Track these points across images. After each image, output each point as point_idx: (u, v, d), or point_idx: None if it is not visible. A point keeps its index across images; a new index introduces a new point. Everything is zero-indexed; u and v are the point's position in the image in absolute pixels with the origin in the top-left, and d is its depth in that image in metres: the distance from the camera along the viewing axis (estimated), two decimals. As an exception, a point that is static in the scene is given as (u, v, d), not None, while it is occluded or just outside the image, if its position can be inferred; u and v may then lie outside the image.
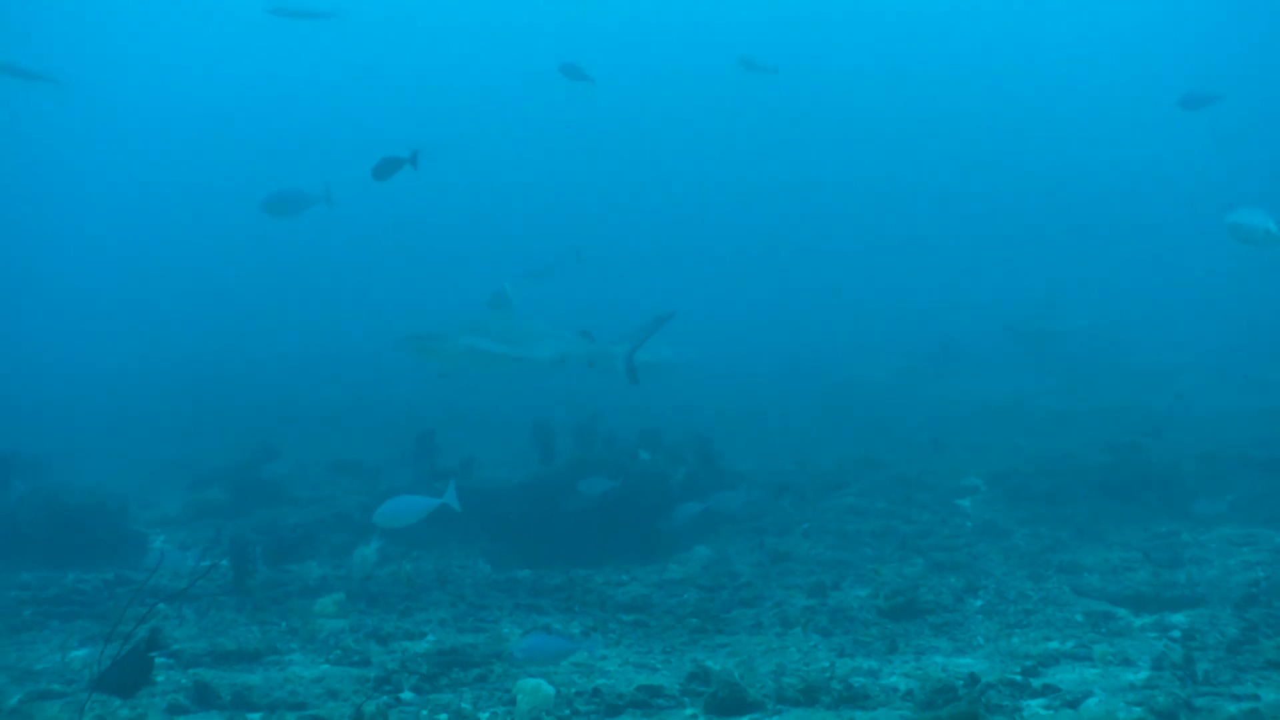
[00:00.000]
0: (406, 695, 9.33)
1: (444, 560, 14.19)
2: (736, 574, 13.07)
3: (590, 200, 53.44)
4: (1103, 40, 55.10)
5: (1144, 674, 9.09)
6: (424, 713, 8.78)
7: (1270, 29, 48.60)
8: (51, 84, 23.38)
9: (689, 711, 8.69)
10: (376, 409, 24.45)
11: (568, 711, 8.68)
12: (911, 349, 27.58)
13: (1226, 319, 31.88)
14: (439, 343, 14.06)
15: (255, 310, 40.20)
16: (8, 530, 15.04)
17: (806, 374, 28.04)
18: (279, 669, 10.24)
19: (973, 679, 8.76)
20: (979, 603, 11.76)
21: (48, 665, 10.60)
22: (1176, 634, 10.24)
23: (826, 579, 12.72)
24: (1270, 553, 13.15)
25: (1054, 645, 10.06)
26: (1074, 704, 8.37)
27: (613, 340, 14.90)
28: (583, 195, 53.42)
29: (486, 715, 8.72)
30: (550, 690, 8.98)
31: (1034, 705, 8.37)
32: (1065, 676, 9.11)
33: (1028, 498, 16.28)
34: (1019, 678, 9.00)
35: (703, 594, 12.43)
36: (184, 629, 11.58)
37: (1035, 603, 11.60)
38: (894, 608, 11.40)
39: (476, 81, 57.30)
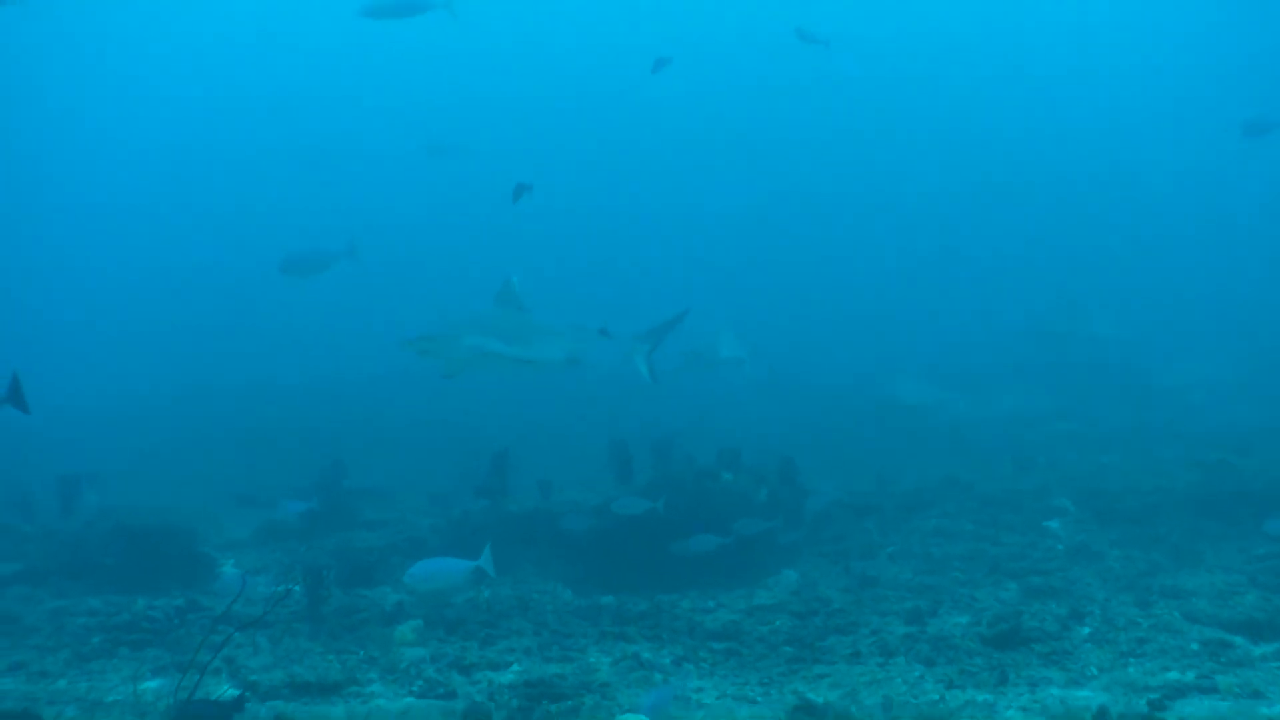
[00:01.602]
0: (498, 730, 8.95)
1: (521, 585, 13.75)
2: (828, 600, 12.58)
3: (609, 206, 53.43)
4: (1130, 49, 54.37)
5: (1279, 707, 8.61)
6: (519, 749, 8.38)
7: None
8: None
9: (798, 748, 8.26)
10: (441, 428, 24.05)
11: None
12: (940, 365, 27.15)
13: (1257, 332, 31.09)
14: (442, 344, 13.20)
15: (301, 328, 39.86)
16: (77, 554, 14.76)
17: (843, 390, 27.29)
18: (361, 701, 9.89)
19: (1103, 712, 8.28)
20: (1086, 630, 11.26)
21: (119, 697, 10.24)
22: (1301, 664, 9.76)
23: (923, 605, 12.24)
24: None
25: (1174, 676, 9.61)
26: (1212, 740, 7.91)
27: (631, 339, 14.53)
28: (604, 202, 53.25)
29: (585, 752, 8.31)
30: (650, 726, 8.56)
31: (1169, 741, 7.92)
32: (1195, 710, 8.68)
33: (1118, 518, 15.74)
34: (1146, 710, 8.53)
35: (795, 621, 11.95)
36: (258, 658, 11.22)
37: (1146, 630, 11.10)
38: (998, 635, 10.91)
39: (494, 83, 57.16)
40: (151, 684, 10.56)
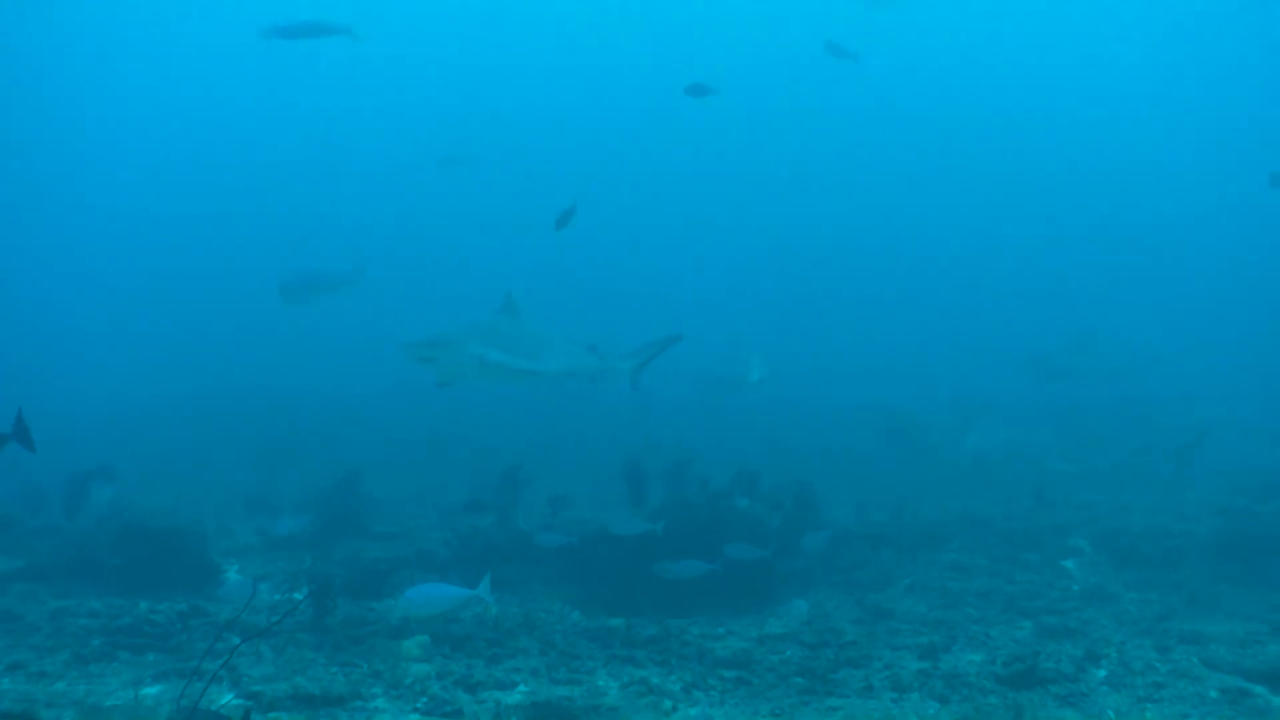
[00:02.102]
0: (504, 752, 8.76)
1: (529, 604, 13.57)
2: (840, 631, 12.37)
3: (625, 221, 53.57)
4: (1155, 82, 54.36)
5: (1300, 760, 8.42)
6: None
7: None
8: None
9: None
10: (454, 441, 23.85)
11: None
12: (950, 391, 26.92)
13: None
14: (444, 351, 12.90)
15: (315, 336, 39.76)
16: (81, 553, 14.61)
17: (857, 413, 26.94)
18: (365, 716, 9.74)
19: (1121, 760, 8.09)
20: (1102, 673, 11.07)
21: (118, 701, 10.10)
22: (1322, 715, 9.56)
23: (937, 640, 12.05)
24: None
25: (1194, 724, 9.40)
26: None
27: (620, 356, 14.41)
28: (619, 217, 53.39)
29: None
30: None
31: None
32: (1215, 759, 8.45)
33: (1136, 561, 15.56)
34: (1165, 758, 8.35)
35: (806, 651, 11.74)
36: (261, 667, 11.03)
37: (1165, 675, 10.92)
38: (1013, 675, 10.72)
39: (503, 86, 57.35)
40: (152, 690, 10.43)
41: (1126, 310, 38.79)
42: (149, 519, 14.68)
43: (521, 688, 10.56)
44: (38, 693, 10.32)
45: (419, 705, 10.02)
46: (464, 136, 48.63)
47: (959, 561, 15.49)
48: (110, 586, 13.86)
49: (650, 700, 10.20)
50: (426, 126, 53.84)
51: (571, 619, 12.89)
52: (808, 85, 51.38)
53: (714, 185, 55.06)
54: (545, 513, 15.89)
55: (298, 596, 12.56)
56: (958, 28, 55.19)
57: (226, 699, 9.79)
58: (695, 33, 55.12)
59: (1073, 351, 25.66)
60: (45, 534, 15.89)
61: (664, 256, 51.71)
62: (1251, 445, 23.68)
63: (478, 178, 46.20)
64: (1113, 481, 20.35)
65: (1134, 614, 13.38)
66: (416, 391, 26.55)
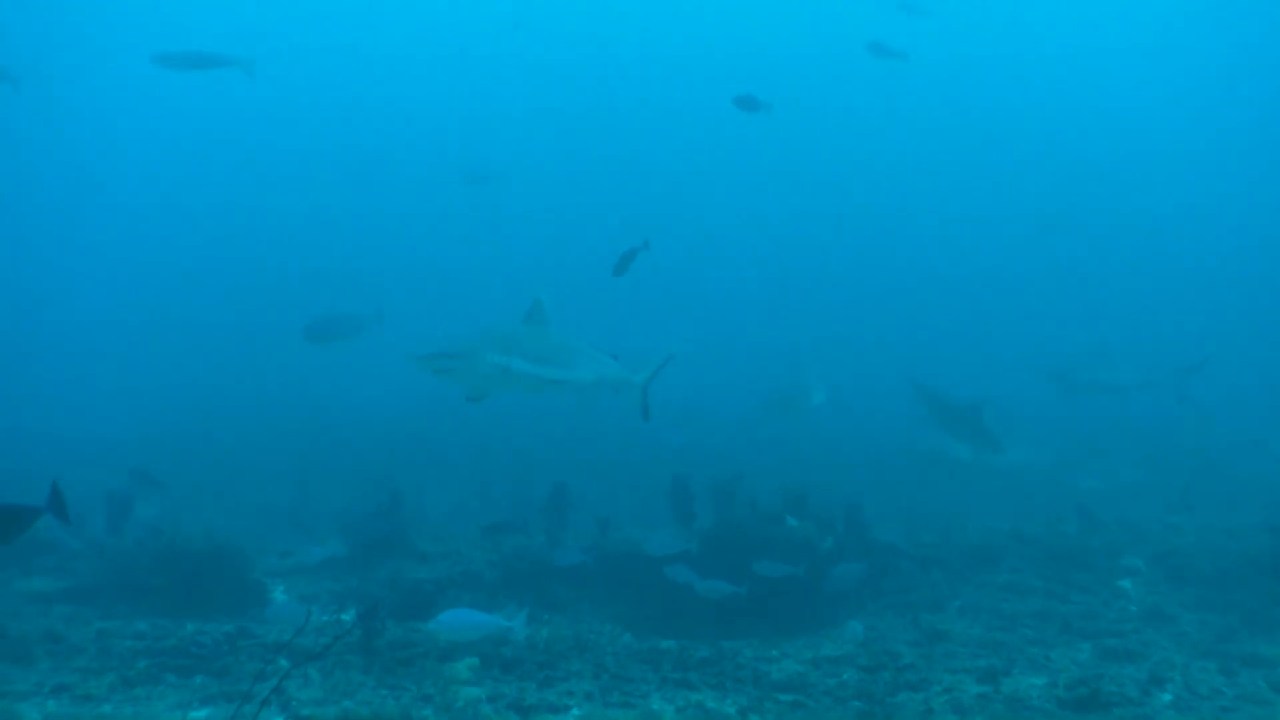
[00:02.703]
0: (560, 779, 8.58)
1: (578, 625, 13.38)
2: (897, 654, 12.13)
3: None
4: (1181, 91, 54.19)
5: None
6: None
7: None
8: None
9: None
10: (497, 458, 23.65)
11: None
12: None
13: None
14: (462, 362, 12.22)
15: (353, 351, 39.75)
16: (126, 574, 14.49)
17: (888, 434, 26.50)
18: (418, 741, 9.52)
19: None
20: (1168, 697, 10.85)
21: (167, 727, 9.93)
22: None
23: (996, 663, 11.81)
24: None
25: (1266, 750, 9.16)
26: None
27: (633, 368, 14.15)
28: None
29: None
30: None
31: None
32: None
33: (1192, 580, 15.26)
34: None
35: (863, 675, 11.51)
36: (309, 690, 10.85)
37: (1231, 699, 10.73)
38: (1076, 699, 10.48)
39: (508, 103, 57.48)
40: (200, 713, 10.27)
41: (1151, 318, 38.68)
42: (189, 540, 14.58)
43: (575, 711, 10.38)
44: (84, 715, 10.20)
45: (472, 730, 9.85)
46: (481, 147, 48.97)
47: (1012, 582, 15.25)
48: (155, 607, 13.72)
49: (707, 725, 10.01)
50: (446, 135, 54.27)
51: (623, 641, 12.66)
52: (842, 89, 51.47)
53: (741, 193, 55.19)
54: (593, 533, 15.70)
55: (345, 618, 12.42)
56: (988, 31, 55.04)
57: (277, 723, 9.65)
58: (707, 37, 55.20)
59: (1092, 366, 25.03)
60: (88, 554, 15.75)
61: (694, 268, 51.68)
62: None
63: (501, 194, 46.28)
64: (1151, 500, 20.05)
65: (1194, 635, 13.17)
66: (453, 406, 26.51)
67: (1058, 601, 14.45)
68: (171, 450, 24.18)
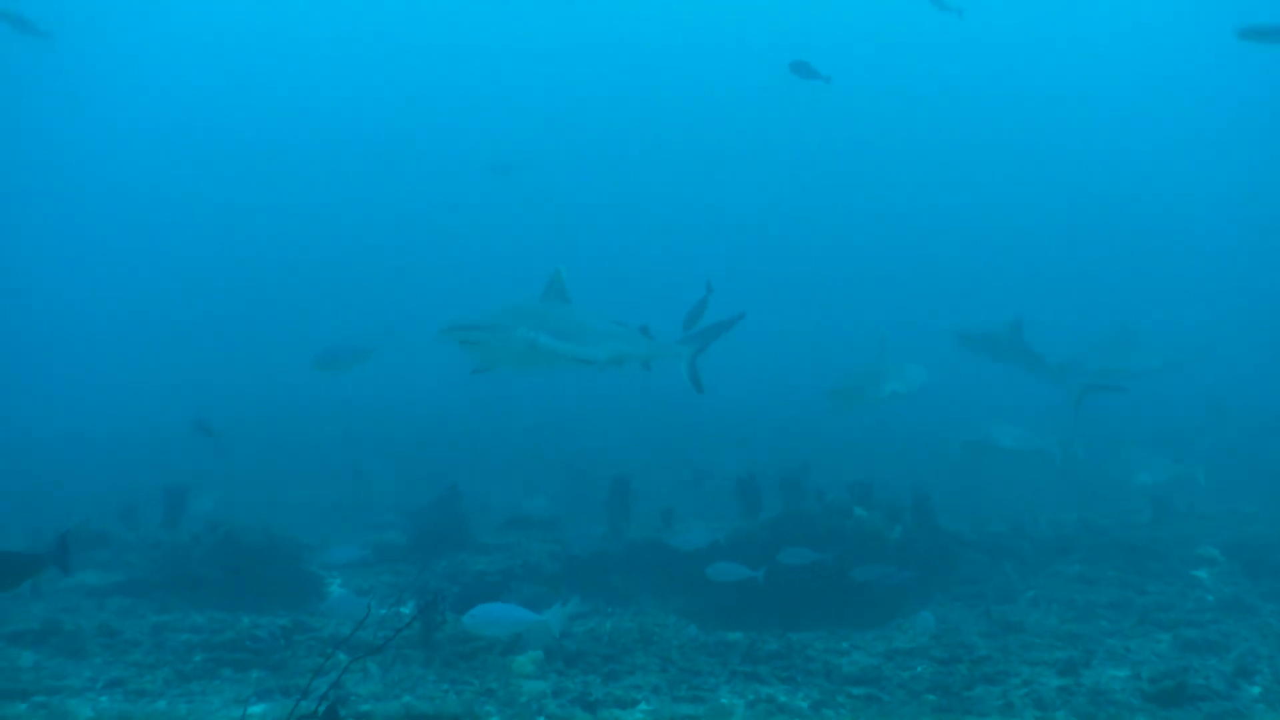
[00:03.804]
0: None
1: (641, 617, 13.07)
2: (971, 646, 11.79)
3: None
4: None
5: None
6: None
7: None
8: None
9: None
10: (551, 450, 23.41)
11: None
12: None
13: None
14: (491, 334, 11.92)
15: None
16: (181, 567, 14.28)
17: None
18: (482, 736, 9.23)
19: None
20: (1256, 690, 10.47)
21: (222, 721, 9.67)
22: None
23: (1075, 655, 11.43)
24: None
25: (1365, 744, 8.77)
26: None
27: (679, 340, 13.80)
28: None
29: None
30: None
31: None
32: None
33: (1269, 571, 14.83)
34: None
35: (938, 667, 11.18)
36: (369, 684, 10.60)
37: (1324, 692, 10.27)
38: (1161, 692, 10.10)
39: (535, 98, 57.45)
40: (257, 709, 10.01)
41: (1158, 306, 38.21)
42: (245, 533, 14.35)
43: (643, 706, 10.06)
44: (136, 711, 9.98)
45: (538, 725, 9.55)
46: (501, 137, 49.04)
47: (1084, 573, 14.83)
48: (211, 600, 13.52)
49: (779, 720, 9.67)
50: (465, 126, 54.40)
51: (688, 633, 12.35)
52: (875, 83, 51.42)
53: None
54: (657, 524, 15.41)
55: (404, 611, 12.15)
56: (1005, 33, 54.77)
57: None
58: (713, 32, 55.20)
59: (1111, 352, 23.98)
60: (143, 548, 15.55)
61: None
62: None
63: (524, 181, 46.27)
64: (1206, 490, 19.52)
65: (1277, 626, 12.74)
66: (507, 398, 26.29)
67: (1134, 592, 14.05)
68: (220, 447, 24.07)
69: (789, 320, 41.43)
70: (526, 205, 51.94)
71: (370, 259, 51.42)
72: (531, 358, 12.33)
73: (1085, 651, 11.65)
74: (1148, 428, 23.95)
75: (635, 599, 13.87)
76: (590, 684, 10.58)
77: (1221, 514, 17.55)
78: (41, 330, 45.08)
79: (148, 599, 13.73)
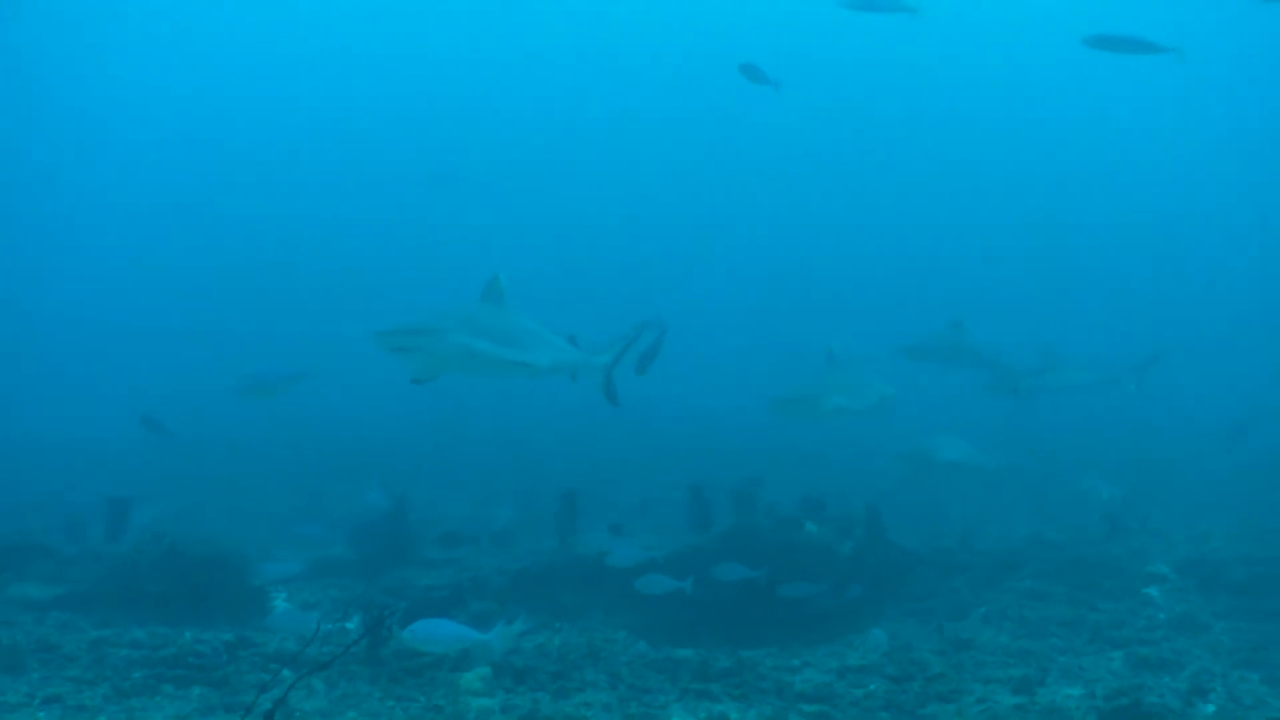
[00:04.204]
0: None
1: (590, 633, 12.91)
2: (924, 663, 11.68)
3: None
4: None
5: None
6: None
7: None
8: None
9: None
10: (506, 462, 23.24)
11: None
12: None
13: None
14: (426, 339, 11.42)
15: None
16: (123, 581, 14.01)
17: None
18: (427, 756, 9.06)
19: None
20: (1211, 708, 10.44)
21: (162, 739, 9.47)
22: None
23: (1030, 673, 11.36)
24: None
25: (1319, 762, 8.72)
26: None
27: (594, 350, 13.48)
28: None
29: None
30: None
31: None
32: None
33: (1222, 588, 14.83)
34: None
35: (891, 685, 11.07)
36: (313, 701, 10.39)
37: (1278, 710, 10.21)
38: (1117, 710, 9.98)
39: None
40: (199, 727, 9.78)
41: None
42: (189, 545, 14.12)
43: (593, 723, 9.90)
44: (75, 728, 9.73)
45: (485, 744, 9.38)
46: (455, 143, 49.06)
47: (1035, 589, 14.77)
48: (153, 615, 13.22)
49: (732, 738, 9.55)
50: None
51: (637, 649, 12.21)
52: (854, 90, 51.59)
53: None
54: (606, 539, 15.27)
55: (349, 626, 11.96)
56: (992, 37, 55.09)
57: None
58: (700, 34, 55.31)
59: (1042, 367, 23.93)
60: (84, 561, 15.26)
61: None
62: None
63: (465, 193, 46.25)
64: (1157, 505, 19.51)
65: (1228, 644, 12.77)
66: (463, 408, 26.10)
67: (1085, 609, 13.98)
68: (168, 458, 23.76)
69: (759, 333, 41.59)
70: (514, 213, 52.24)
71: (352, 266, 51.32)
72: (467, 364, 12.04)
73: (1039, 669, 11.59)
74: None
75: (584, 614, 13.73)
76: (539, 701, 10.39)
77: (1177, 529, 17.54)
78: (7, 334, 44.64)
79: (88, 613, 13.45)
